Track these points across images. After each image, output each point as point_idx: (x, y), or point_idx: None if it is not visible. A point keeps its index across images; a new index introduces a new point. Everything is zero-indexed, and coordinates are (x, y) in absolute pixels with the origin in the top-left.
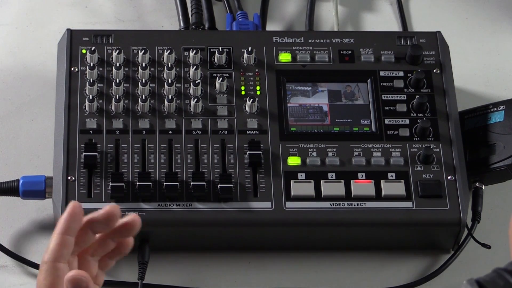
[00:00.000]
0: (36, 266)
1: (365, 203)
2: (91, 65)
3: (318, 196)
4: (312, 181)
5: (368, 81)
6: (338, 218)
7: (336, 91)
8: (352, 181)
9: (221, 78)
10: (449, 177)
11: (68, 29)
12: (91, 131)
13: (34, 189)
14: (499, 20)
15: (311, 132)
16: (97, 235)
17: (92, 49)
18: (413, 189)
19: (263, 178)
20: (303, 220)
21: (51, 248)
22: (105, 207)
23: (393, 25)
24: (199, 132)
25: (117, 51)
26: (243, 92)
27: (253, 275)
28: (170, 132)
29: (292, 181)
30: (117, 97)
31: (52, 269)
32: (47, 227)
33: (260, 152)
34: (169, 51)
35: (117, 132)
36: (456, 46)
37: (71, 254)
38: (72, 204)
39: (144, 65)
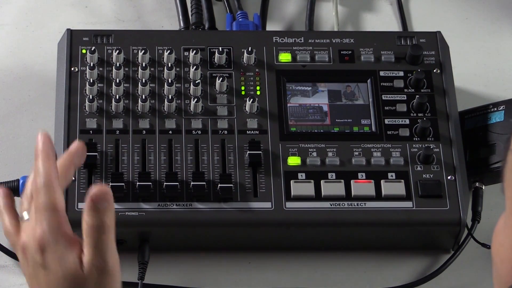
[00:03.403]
0: None
1: (365, 203)
2: (91, 65)
3: (318, 196)
4: (312, 181)
5: (368, 81)
6: (338, 218)
7: (336, 91)
8: (352, 181)
9: (221, 78)
10: (449, 177)
11: (68, 29)
12: (91, 131)
13: None
14: (499, 20)
15: (311, 132)
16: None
17: (92, 49)
18: (413, 189)
19: (263, 178)
20: (303, 220)
21: (42, 170)
22: (72, 145)
23: (393, 25)
24: (199, 132)
25: (117, 51)
26: (243, 92)
27: (253, 275)
28: (170, 132)
29: (292, 181)
30: (117, 97)
31: (53, 188)
32: None
33: (260, 152)
34: (169, 51)
35: (117, 132)
36: (456, 46)
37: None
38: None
39: (144, 65)
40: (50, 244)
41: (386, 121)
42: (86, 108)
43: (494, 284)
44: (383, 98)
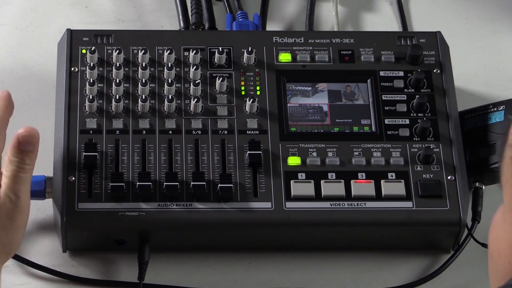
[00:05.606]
0: (36, 266)
1: (365, 203)
2: (91, 65)
3: (318, 196)
4: (312, 181)
5: (368, 81)
6: (338, 218)
7: (336, 91)
8: (352, 181)
9: (221, 78)
10: (449, 177)
11: (68, 29)
12: (91, 131)
13: (34, 189)
14: (499, 20)
15: (311, 132)
16: None
17: (92, 49)
18: (413, 189)
19: (263, 178)
20: (303, 220)
21: None
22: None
23: (393, 25)
24: (199, 132)
25: (117, 51)
26: (243, 92)
27: (253, 275)
28: (170, 132)
29: (292, 181)
30: (117, 97)
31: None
32: (47, 227)
33: (260, 152)
34: (169, 51)
35: (117, 132)
36: (456, 46)
37: None
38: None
39: (144, 65)
40: None
41: (386, 121)
42: (86, 108)
43: (490, 277)
44: (383, 98)
